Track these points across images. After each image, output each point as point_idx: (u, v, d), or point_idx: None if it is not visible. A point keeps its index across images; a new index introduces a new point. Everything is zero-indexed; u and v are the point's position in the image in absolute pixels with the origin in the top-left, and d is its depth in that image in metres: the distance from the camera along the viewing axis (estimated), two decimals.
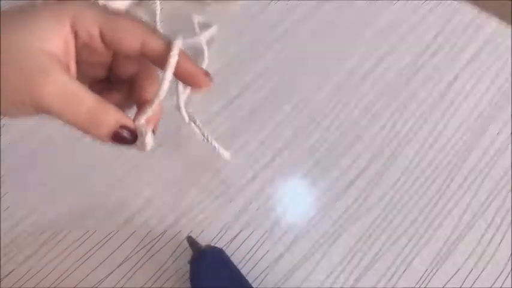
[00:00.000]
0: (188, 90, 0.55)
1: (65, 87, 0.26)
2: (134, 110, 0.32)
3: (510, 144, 0.52)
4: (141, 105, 0.31)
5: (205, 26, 0.61)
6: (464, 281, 0.46)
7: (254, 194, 0.51)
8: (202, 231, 0.49)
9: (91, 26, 0.27)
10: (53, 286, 0.47)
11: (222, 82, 0.57)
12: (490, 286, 0.46)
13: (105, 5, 0.29)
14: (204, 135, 0.49)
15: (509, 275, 0.46)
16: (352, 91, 0.56)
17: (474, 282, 0.46)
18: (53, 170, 0.53)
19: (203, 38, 0.58)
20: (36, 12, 0.27)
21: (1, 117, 0.28)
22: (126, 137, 0.29)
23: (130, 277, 0.47)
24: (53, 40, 0.26)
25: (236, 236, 0.49)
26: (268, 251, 0.48)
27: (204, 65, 0.58)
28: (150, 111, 0.29)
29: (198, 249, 0.44)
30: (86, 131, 0.27)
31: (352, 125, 0.54)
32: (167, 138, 0.54)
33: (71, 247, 0.49)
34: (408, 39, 0.60)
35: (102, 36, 0.28)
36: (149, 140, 0.29)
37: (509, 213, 0.49)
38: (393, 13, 0.61)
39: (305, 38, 0.60)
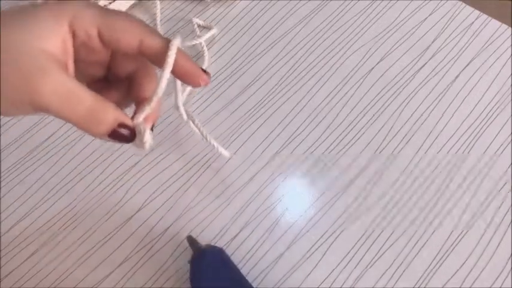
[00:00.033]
0: (187, 90, 0.55)
1: (63, 86, 0.26)
2: (132, 108, 0.32)
3: (510, 144, 0.52)
4: (140, 103, 0.31)
5: (205, 28, 0.62)
6: (463, 281, 0.46)
7: (254, 193, 0.51)
8: (202, 230, 0.49)
9: (89, 26, 0.28)
10: (53, 286, 0.47)
11: (222, 82, 0.58)
12: (489, 286, 0.46)
13: (105, 5, 0.30)
14: (202, 135, 0.50)
15: (509, 275, 0.46)
16: (353, 91, 0.56)
17: (474, 282, 0.46)
18: (53, 170, 0.53)
19: (203, 39, 0.59)
20: (36, 11, 0.27)
21: (1, 117, 0.29)
22: (125, 135, 0.29)
23: (130, 277, 0.47)
24: (51, 39, 0.26)
25: (236, 235, 0.49)
26: (268, 251, 0.48)
27: (205, 66, 0.58)
28: (148, 109, 0.29)
29: (198, 249, 0.44)
30: (84, 129, 0.28)
31: (352, 125, 0.54)
32: (167, 137, 0.54)
33: (71, 247, 0.49)
34: (409, 40, 0.60)
35: (100, 35, 0.28)
36: (148, 137, 0.29)
37: (509, 213, 0.49)
38: (394, 13, 0.62)
39: (305, 38, 0.60)
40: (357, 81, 0.57)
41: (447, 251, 0.48)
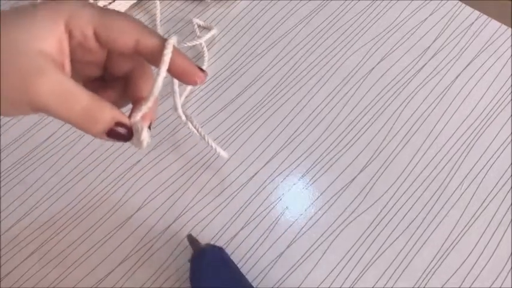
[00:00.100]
0: (187, 91, 0.55)
1: (60, 86, 0.26)
2: (129, 108, 0.32)
3: (510, 144, 0.52)
4: (136, 102, 0.31)
5: (205, 28, 0.62)
6: (463, 280, 0.46)
7: (254, 192, 0.51)
8: (202, 229, 0.49)
9: (85, 26, 0.28)
10: (52, 286, 0.47)
11: (222, 83, 0.58)
12: (489, 285, 0.46)
13: (104, 6, 0.30)
14: (201, 135, 0.50)
15: (509, 274, 0.46)
16: (353, 91, 0.56)
17: (474, 282, 0.46)
18: (52, 170, 0.53)
19: (203, 39, 0.59)
20: (34, 11, 0.27)
21: (1, 117, 0.29)
22: (122, 134, 0.29)
23: (130, 276, 0.47)
24: (48, 39, 0.26)
25: (236, 234, 0.49)
26: (268, 250, 0.48)
27: (204, 67, 0.58)
28: (145, 108, 0.30)
29: (198, 248, 0.44)
30: (82, 128, 0.28)
31: (352, 125, 0.54)
32: (165, 138, 0.54)
33: (71, 246, 0.49)
34: (409, 40, 0.60)
35: (96, 35, 0.28)
36: (145, 136, 0.30)
37: (509, 212, 0.49)
38: (394, 13, 0.62)
39: (305, 38, 0.60)
40: (357, 81, 0.57)
41: (447, 250, 0.47)
